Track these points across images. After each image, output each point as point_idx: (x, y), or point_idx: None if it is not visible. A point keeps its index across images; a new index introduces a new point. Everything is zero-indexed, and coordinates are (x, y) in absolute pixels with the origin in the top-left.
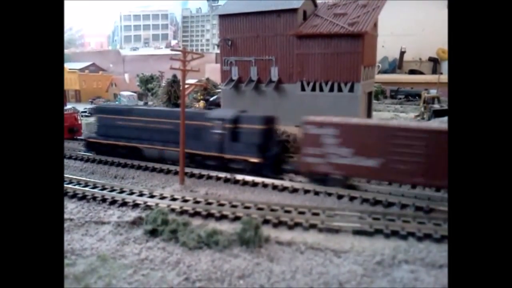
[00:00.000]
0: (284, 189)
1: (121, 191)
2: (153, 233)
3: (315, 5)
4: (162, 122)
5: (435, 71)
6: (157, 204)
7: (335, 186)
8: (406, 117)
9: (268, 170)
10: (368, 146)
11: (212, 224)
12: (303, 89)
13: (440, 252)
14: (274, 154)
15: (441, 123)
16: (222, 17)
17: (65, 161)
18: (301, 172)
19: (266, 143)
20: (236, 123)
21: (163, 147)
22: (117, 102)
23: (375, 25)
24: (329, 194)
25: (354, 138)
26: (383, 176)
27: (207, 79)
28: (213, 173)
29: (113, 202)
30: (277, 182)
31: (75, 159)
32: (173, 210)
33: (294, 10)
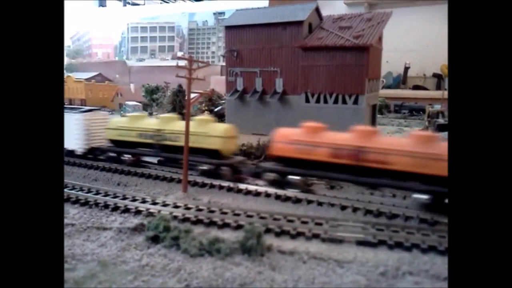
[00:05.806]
0: (287, 199)
1: (124, 198)
2: (154, 239)
3: (321, 18)
4: None
5: (439, 87)
6: (159, 211)
7: None
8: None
9: None
10: None
11: (214, 232)
12: (307, 100)
13: (444, 264)
14: None
15: None
16: (228, 28)
17: (68, 167)
18: None
19: None
20: None
21: None
22: (122, 112)
23: (380, 39)
24: (332, 205)
25: None
26: None
27: (212, 89)
28: (216, 182)
29: (115, 208)
30: (280, 192)
31: (79, 166)
32: (175, 217)
33: (300, 23)
